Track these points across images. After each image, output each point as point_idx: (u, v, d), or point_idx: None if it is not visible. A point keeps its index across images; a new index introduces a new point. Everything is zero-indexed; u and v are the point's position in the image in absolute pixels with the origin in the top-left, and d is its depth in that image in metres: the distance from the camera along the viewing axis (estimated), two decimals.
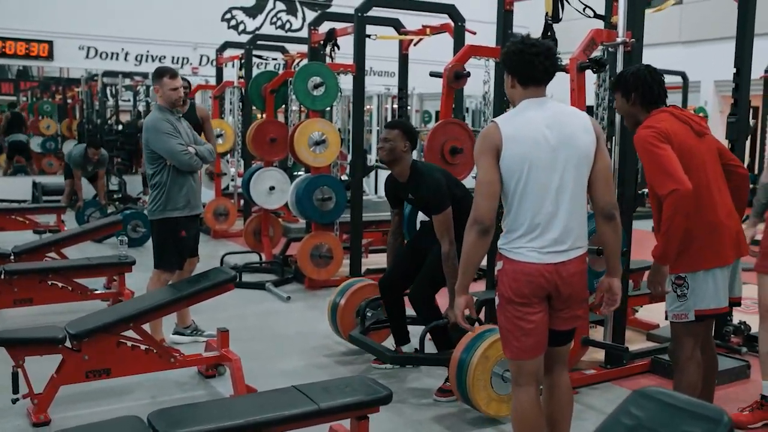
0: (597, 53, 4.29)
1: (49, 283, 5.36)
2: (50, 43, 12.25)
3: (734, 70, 4.90)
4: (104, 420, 2.75)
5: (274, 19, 14.35)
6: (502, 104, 5.05)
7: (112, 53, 12.79)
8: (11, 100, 13.76)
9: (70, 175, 10.19)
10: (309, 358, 4.83)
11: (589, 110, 4.29)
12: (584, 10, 4.72)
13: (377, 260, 7.44)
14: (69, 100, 13.93)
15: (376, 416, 3.09)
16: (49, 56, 12.36)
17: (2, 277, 5.17)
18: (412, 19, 7.88)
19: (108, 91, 13.65)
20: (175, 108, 4.82)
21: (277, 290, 6.46)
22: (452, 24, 6.88)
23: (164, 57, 13.12)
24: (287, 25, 14.43)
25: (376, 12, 6.99)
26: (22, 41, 12.07)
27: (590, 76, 4.29)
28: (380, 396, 2.93)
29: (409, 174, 4.29)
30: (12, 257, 5.87)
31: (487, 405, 3.69)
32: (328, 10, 11.52)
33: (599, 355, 4.55)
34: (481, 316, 4.40)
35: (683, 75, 12.37)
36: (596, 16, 4.85)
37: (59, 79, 13.74)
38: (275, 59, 9.73)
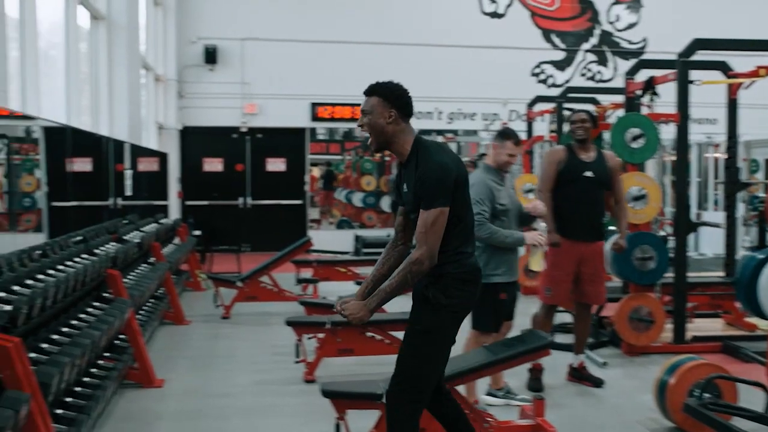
0: None
1: (368, 334, 5.56)
2: None
3: None
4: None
5: (584, 71, 14.12)
6: None
7: (426, 112, 13.44)
8: (338, 160, 15.05)
9: None
10: None
11: None
12: None
13: (704, 326, 6.76)
14: (386, 158, 14.83)
15: None
16: None
17: (329, 327, 5.48)
18: (740, 61, 7.19)
19: None
20: (501, 170, 4.79)
21: (593, 354, 6.08)
22: None
23: (475, 114, 13.54)
24: (597, 76, 14.11)
25: (699, 56, 6.49)
26: (347, 106, 13.25)
27: None
28: None
29: (410, 151, 3.18)
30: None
31: None
32: (645, 58, 11.02)
33: None
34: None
35: None
36: None
37: None
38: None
